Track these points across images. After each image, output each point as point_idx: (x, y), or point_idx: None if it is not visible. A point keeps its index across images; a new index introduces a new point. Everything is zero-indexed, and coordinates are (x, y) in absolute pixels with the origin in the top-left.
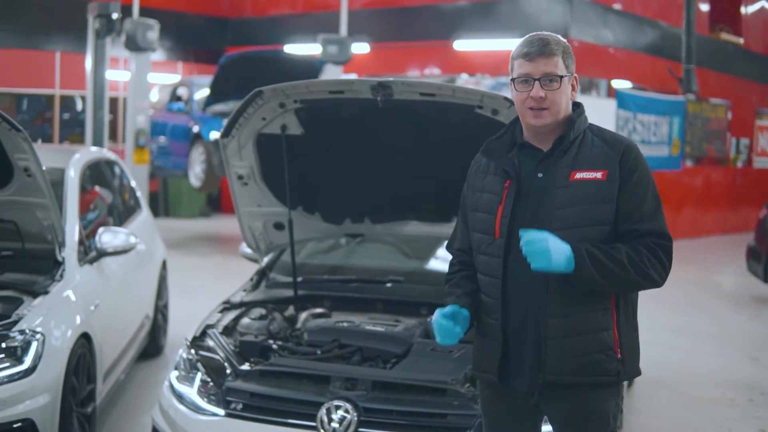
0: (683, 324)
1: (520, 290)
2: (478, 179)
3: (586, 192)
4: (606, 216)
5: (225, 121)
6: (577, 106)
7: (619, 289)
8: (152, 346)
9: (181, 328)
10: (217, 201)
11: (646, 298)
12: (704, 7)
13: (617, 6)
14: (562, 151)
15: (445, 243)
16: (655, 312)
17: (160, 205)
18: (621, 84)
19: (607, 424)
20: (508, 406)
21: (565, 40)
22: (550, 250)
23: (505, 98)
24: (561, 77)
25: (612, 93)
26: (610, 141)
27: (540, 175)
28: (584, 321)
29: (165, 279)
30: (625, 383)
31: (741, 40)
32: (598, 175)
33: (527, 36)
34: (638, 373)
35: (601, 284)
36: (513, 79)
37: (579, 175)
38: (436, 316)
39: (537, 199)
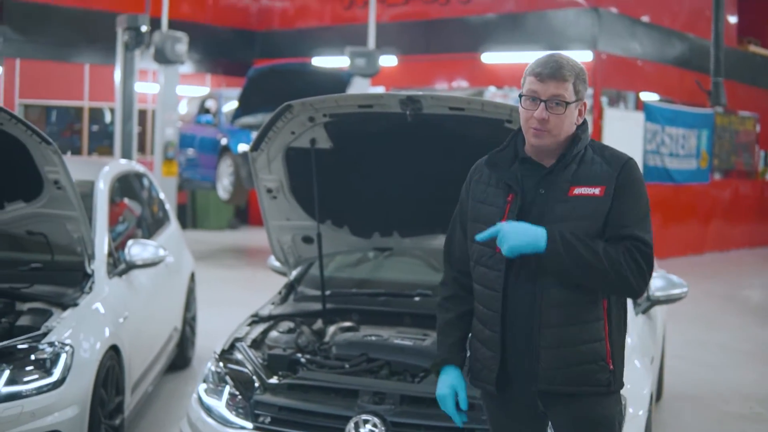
0: (711, 338)
1: (518, 302)
2: (479, 190)
3: (584, 207)
4: (600, 231)
5: (254, 134)
6: (582, 123)
7: (593, 281)
8: (180, 359)
9: (209, 341)
10: (244, 213)
11: (673, 313)
12: (732, 20)
13: (645, 18)
14: (563, 167)
15: (443, 250)
16: (682, 326)
17: (189, 217)
18: (649, 97)
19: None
20: (512, 412)
21: (581, 66)
22: (518, 232)
23: None
24: (567, 103)
25: (640, 106)
26: (609, 158)
27: (542, 191)
28: (578, 331)
29: (193, 291)
30: (654, 396)
31: None
32: (596, 191)
33: (545, 55)
34: (623, 384)
35: (571, 269)
36: (521, 95)
37: (578, 191)
38: (445, 390)
39: (537, 215)
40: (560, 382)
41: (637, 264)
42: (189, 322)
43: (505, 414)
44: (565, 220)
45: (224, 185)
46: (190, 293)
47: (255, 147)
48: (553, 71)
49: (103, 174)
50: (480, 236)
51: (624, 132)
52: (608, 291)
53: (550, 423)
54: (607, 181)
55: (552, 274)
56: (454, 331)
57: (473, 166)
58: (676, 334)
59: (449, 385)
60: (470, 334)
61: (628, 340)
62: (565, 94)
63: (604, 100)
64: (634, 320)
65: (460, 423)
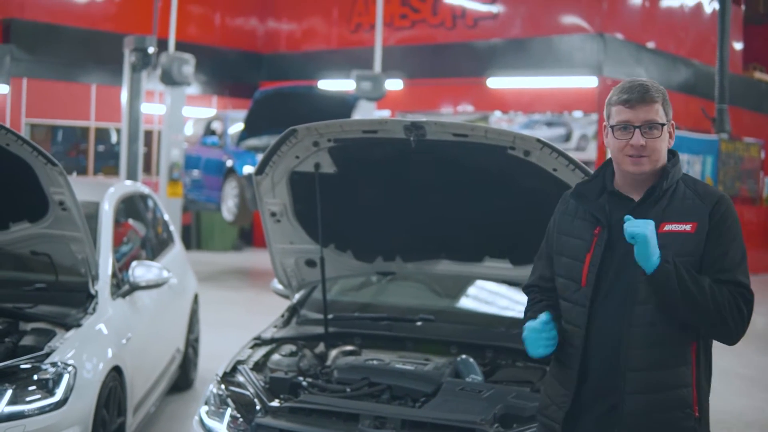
0: (714, 365)
1: (601, 340)
2: (565, 222)
3: (674, 244)
4: (694, 269)
5: (259, 156)
6: (672, 155)
7: (693, 316)
8: (183, 380)
9: (211, 362)
10: (249, 235)
11: None
12: (738, 46)
13: (651, 44)
14: (653, 202)
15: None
16: None
17: (193, 238)
18: None
19: None
20: None
21: (663, 88)
22: (648, 233)
23: (537, 140)
24: (662, 125)
25: None
26: (702, 194)
27: None
28: (666, 376)
29: (196, 313)
30: None
31: None
32: (688, 227)
33: (625, 82)
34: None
35: (675, 297)
36: (611, 126)
37: (668, 227)
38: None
39: (625, 250)
40: (646, 428)
41: (740, 311)
42: (192, 344)
43: None
44: None
45: (229, 207)
46: (193, 314)
47: (259, 171)
48: (641, 95)
49: (108, 195)
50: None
51: None
52: (705, 331)
53: None
54: (698, 218)
55: (655, 298)
56: (538, 303)
57: (561, 198)
58: None
59: (541, 321)
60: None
61: None
62: (657, 117)
63: None
64: None
65: (550, 350)
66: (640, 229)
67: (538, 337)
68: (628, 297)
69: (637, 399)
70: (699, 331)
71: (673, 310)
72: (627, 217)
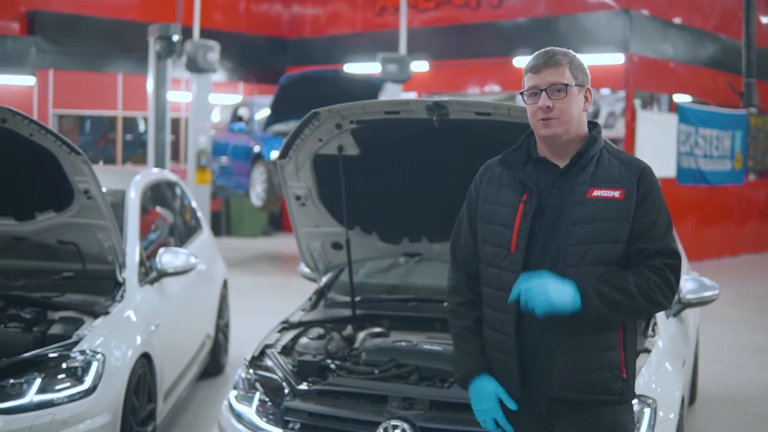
0: (747, 340)
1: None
2: (491, 191)
3: (604, 209)
4: (622, 234)
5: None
6: (594, 126)
7: (628, 318)
8: (213, 365)
9: (242, 347)
10: (278, 220)
11: (708, 316)
12: (765, 20)
13: (677, 20)
14: (580, 168)
15: (450, 253)
16: (716, 329)
17: (223, 225)
18: (682, 98)
19: None
20: (522, 423)
21: (575, 55)
22: (549, 292)
23: None
24: (566, 85)
25: (673, 107)
26: (626, 162)
27: (556, 191)
28: (594, 339)
29: (226, 298)
30: (686, 400)
31: None
32: (616, 194)
33: (537, 51)
34: (635, 395)
35: (611, 317)
36: (522, 93)
37: (597, 192)
38: (490, 402)
39: (552, 215)
40: (573, 389)
41: (668, 283)
42: (222, 329)
43: (514, 425)
44: (585, 223)
45: (257, 192)
46: (222, 300)
47: (283, 155)
48: (545, 60)
49: (134, 183)
50: (510, 299)
51: (657, 134)
52: (639, 318)
53: None
54: (626, 185)
55: (585, 262)
56: (475, 338)
57: (482, 167)
58: (711, 337)
59: (490, 394)
60: None
61: (660, 343)
62: (562, 78)
63: (637, 102)
64: (665, 323)
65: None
66: (534, 290)
67: (497, 411)
68: (558, 262)
69: (567, 361)
70: None
71: (608, 319)
72: (518, 288)
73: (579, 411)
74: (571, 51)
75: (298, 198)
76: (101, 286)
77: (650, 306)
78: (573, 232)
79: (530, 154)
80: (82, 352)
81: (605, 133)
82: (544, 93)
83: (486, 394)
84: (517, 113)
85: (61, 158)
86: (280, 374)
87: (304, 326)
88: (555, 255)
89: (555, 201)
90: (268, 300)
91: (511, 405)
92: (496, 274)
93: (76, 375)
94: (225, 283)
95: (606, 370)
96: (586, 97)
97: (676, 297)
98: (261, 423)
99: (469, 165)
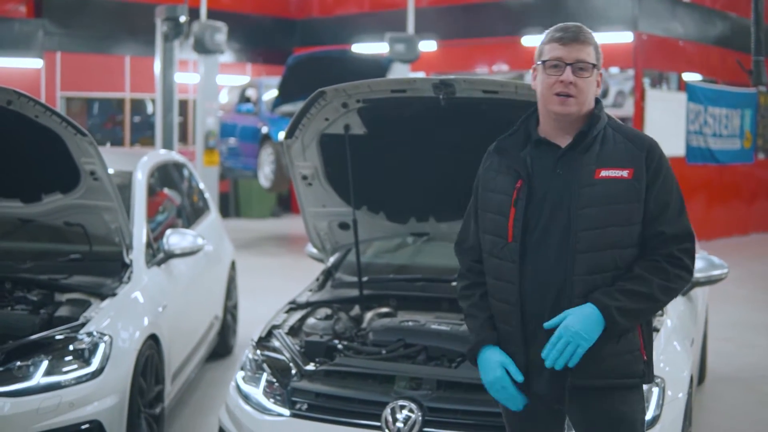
0: (756, 319)
1: (536, 294)
2: (489, 178)
3: (613, 190)
4: (634, 216)
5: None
6: (597, 102)
7: (652, 315)
8: (222, 347)
9: (251, 328)
10: (287, 201)
11: (716, 295)
12: None
13: None
14: (585, 148)
15: (456, 241)
16: (726, 308)
17: (231, 206)
18: (691, 77)
19: (635, 430)
20: (530, 410)
21: (594, 37)
22: (580, 332)
23: None
24: (593, 66)
25: (682, 86)
26: (632, 138)
27: (559, 171)
28: None
29: (234, 280)
30: (695, 379)
31: None
32: (624, 173)
33: (559, 24)
34: (654, 377)
35: (635, 325)
36: (543, 62)
37: (604, 173)
38: (496, 372)
39: (556, 198)
40: (597, 375)
41: (687, 269)
42: (230, 311)
43: (523, 414)
44: (594, 205)
45: (265, 173)
46: (230, 281)
47: (289, 134)
48: (575, 34)
49: (141, 164)
50: (547, 324)
51: (666, 113)
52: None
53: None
54: (634, 163)
55: (597, 247)
56: (482, 312)
57: (486, 153)
58: (721, 316)
59: (497, 363)
60: None
61: (668, 322)
62: (589, 57)
63: (645, 81)
64: (673, 302)
65: (522, 406)
66: (566, 338)
67: (505, 380)
68: (565, 247)
69: (588, 349)
70: None
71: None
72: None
73: (596, 398)
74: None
75: (304, 178)
76: (108, 268)
77: (670, 299)
78: (582, 216)
79: (529, 135)
80: (89, 334)
81: (614, 112)
82: (569, 68)
83: (493, 363)
84: (524, 91)
85: (67, 139)
86: (288, 355)
87: (312, 307)
88: (561, 240)
89: (557, 183)
90: (276, 281)
91: (518, 376)
92: (496, 265)
93: (83, 357)
94: (233, 264)
95: (627, 352)
96: (597, 81)
97: None
98: (268, 404)
99: (476, 144)
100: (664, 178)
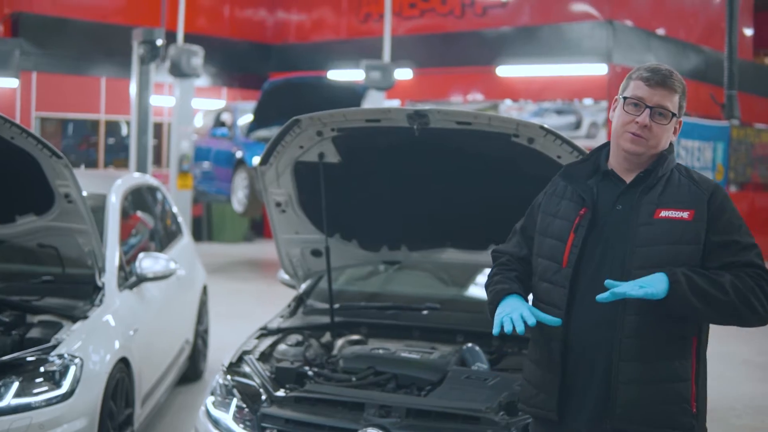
0: (728, 351)
1: (586, 325)
2: (552, 203)
3: (672, 231)
4: (691, 258)
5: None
6: (669, 145)
7: (718, 317)
8: (192, 371)
9: (222, 353)
10: (260, 226)
11: None
12: (748, 32)
13: (660, 31)
14: (648, 187)
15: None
16: None
17: (204, 230)
18: None
19: None
20: None
21: (685, 85)
22: (641, 282)
23: (541, 127)
24: (673, 115)
25: None
26: (698, 181)
27: (619, 207)
28: (662, 369)
29: (205, 304)
30: None
31: None
32: (685, 215)
33: (653, 63)
34: (706, 429)
35: (698, 308)
36: (624, 98)
37: (664, 213)
38: (512, 312)
39: (613, 233)
40: (638, 421)
41: (764, 292)
42: (201, 335)
43: None
44: (651, 245)
45: (239, 198)
46: (202, 306)
47: (264, 161)
48: (663, 79)
49: (115, 187)
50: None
51: None
52: (730, 321)
53: None
54: (696, 205)
55: (671, 311)
56: (510, 272)
57: (552, 180)
58: None
59: (519, 304)
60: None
61: None
62: (671, 105)
63: None
64: None
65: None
66: (624, 289)
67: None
68: (664, 304)
69: (630, 389)
70: (701, 324)
71: (698, 317)
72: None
73: None
74: (684, 82)
75: (278, 204)
76: (80, 290)
77: (745, 309)
78: (638, 254)
79: (599, 166)
80: (60, 356)
81: (588, 143)
82: (647, 111)
83: (514, 303)
84: (497, 123)
85: (42, 162)
86: (258, 381)
87: (283, 333)
88: (615, 277)
89: (616, 218)
90: (248, 306)
91: (530, 319)
92: (546, 289)
93: (53, 379)
94: (205, 289)
95: (674, 403)
96: (675, 129)
97: None
98: (238, 429)
99: (449, 174)
100: (729, 217)
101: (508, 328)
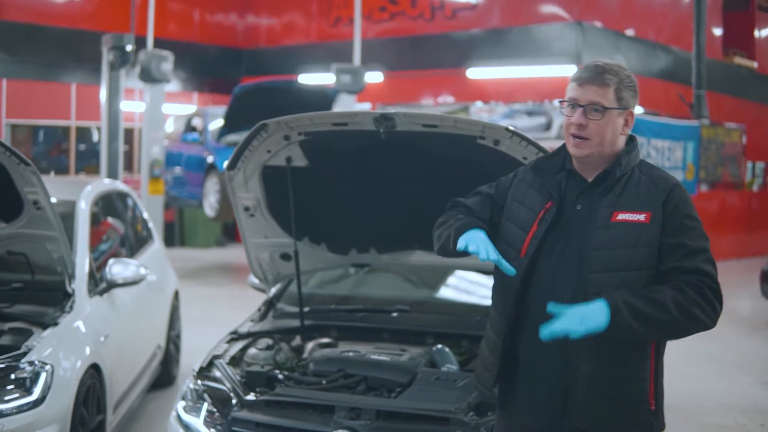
0: (696, 349)
1: (539, 320)
2: (521, 189)
3: (628, 235)
4: (646, 261)
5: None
6: (631, 140)
7: (664, 335)
8: (165, 376)
9: (194, 358)
10: (232, 230)
11: None
12: (717, 32)
13: (630, 32)
14: (607, 189)
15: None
16: None
17: (176, 235)
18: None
19: None
20: None
21: (630, 74)
22: (582, 315)
23: (506, 129)
24: (606, 108)
25: None
26: (656, 180)
27: (579, 207)
28: (621, 370)
29: (177, 309)
30: None
31: (755, 64)
32: (642, 217)
33: (591, 61)
34: (665, 426)
35: (642, 332)
36: (560, 101)
37: (621, 216)
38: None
39: (572, 232)
40: (598, 421)
41: (708, 301)
42: (173, 340)
43: None
44: (608, 248)
45: (211, 203)
46: (174, 311)
47: (231, 166)
48: (592, 76)
49: (84, 194)
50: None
51: None
52: (678, 336)
53: None
54: (652, 206)
55: (614, 337)
56: (468, 211)
57: (521, 168)
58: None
59: (479, 237)
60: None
61: None
62: (603, 100)
63: None
64: None
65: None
66: (570, 321)
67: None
68: (577, 286)
69: (590, 391)
70: None
71: (641, 337)
72: (546, 328)
73: None
74: (625, 69)
75: (246, 209)
76: (50, 297)
77: (689, 323)
78: (595, 258)
79: (565, 163)
80: (31, 363)
81: (558, 144)
82: (581, 110)
83: (481, 236)
84: (463, 125)
85: (10, 169)
86: (228, 385)
87: (253, 337)
88: (571, 277)
89: (576, 218)
90: (220, 311)
91: (510, 270)
92: (501, 274)
93: (24, 386)
94: (176, 294)
95: (634, 402)
96: (626, 120)
97: None
98: None
99: (416, 176)
100: (684, 219)
101: (473, 249)
